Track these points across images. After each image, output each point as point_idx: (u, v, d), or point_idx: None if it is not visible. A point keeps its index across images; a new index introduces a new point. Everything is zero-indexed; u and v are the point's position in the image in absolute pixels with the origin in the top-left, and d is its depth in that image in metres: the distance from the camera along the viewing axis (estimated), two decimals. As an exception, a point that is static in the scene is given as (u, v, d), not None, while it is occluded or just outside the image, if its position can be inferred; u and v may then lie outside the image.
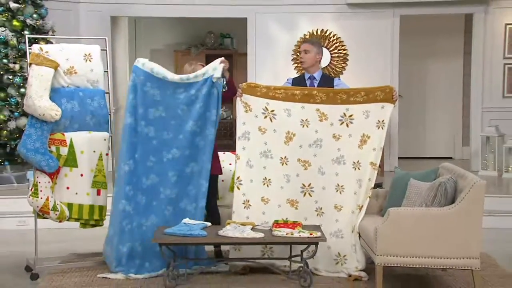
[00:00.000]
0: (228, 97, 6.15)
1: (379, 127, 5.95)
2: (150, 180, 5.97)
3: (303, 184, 5.99)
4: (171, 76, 5.97)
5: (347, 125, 5.96)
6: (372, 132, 5.96)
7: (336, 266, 5.89)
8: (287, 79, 6.54)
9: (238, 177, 5.98)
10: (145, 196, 5.95)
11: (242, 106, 6.04)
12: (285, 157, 6.01)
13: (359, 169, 5.93)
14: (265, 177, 6.00)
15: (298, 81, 6.47)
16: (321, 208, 5.97)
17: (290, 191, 6.00)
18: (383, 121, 5.96)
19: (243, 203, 5.96)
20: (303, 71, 6.64)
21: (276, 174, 6.01)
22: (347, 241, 5.89)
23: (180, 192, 5.97)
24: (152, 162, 5.97)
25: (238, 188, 5.97)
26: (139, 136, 5.97)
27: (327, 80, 6.48)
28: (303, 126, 6.00)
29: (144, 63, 5.99)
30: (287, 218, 5.83)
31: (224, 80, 5.95)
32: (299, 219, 5.84)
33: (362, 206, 5.89)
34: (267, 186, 6.01)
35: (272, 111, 6.01)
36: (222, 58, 6.01)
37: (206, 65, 6.12)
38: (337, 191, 5.94)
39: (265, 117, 6.02)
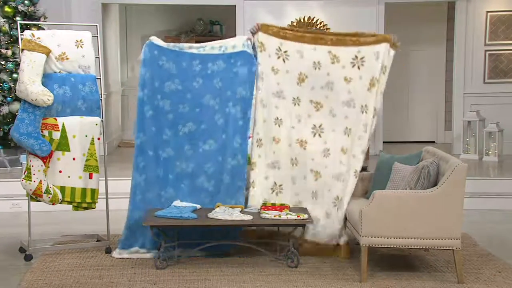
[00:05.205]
0: None
1: (384, 72, 5.94)
2: (166, 153, 6.02)
3: (314, 125, 6.08)
4: (187, 46, 6.05)
5: (359, 68, 5.95)
6: (380, 76, 5.93)
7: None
8: None
9: (253, 117, 6.08)
10: (162, 169, 6.01)
11: (257, 46, 6.07)
12: (297, 97, 6.08)
13: (366, 113, 5.93)
14: (277, 117, 6.08)
15: None
16: (328, 150, 6.02)
17: (301, 131, 6.08)
18: (386, 67, 5.94)
19: (257, 142, 6.08)
20: None
21: (288, 114, 6.07)
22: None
23: (197, 168, 6.01)
24: (167, 135, 6.02)
25: (255, 125, 6.09)
26: (155, 109, 6.00)
27: None
28: (315, 69, 6.03)
29: (157, 40, 6.05)
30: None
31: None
32: (306, 160, 5.99)
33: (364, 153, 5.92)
34: (279, 126, 6.08)
35: (285, 51, 6.05)
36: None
37: None
38: (345, 133, 6.00)
39: (278, 57, 6.06)
